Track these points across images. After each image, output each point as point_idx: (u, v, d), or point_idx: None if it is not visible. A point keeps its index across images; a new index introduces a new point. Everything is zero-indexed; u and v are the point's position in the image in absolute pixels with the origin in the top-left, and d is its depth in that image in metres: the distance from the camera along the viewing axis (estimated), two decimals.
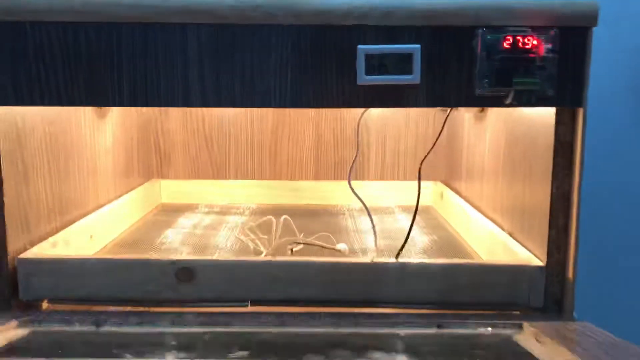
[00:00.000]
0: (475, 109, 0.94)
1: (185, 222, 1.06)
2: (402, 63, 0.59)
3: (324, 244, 0.83)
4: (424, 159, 0.77)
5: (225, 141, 1.19)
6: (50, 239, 0.74)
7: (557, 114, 0.64)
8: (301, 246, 0.86)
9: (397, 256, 0.70)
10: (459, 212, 1.00)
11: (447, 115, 0.84)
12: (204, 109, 1.18)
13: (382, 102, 0.61)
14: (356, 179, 1.21)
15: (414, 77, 0.59)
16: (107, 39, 0.61)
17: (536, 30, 0.59)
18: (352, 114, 1.19)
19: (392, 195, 1.22)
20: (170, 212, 1.13)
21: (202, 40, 0.61)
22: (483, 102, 0.61)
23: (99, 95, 0.62)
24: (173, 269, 0.66)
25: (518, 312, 0.68)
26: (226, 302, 0.67)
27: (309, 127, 1.19)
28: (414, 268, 0.66)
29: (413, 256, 0.85)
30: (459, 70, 0.61)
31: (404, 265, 0.66)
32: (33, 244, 0.71)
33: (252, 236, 0.90)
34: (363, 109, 0.81)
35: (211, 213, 1.13)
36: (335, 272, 0.67)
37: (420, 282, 0.66)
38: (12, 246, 0.67)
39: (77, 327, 0.63)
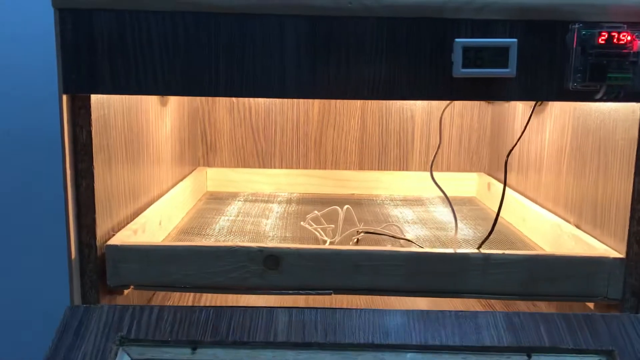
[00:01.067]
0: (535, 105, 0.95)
1: (235, 210, 1.07)
2: (499, 56, 0.60)
3: (395, 234, 0.85)
4: (510, 151, 0.77)
5: (271, 131, 1.20)
6: (130, 226, 0.75)
7: None
8: (361, 236, 0.87)
9: (479, 247, 0.71)
10: (511, 203, 1.01)
11: (533, 109, 0.84)
12: (252, 100, 1.19)
13: (475, 94, 0.62)
14: (400, 169, 1.22)
15: (510, 71, 0.60)
16: (205, 28, 0.61)
17: (631, 26, 0.60)
18: (396, 106, 1.20)
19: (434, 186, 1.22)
20: (218, 200, 1.14)
21: (299, 31, 0.61)
22: (573, 96, 0.62)
23: (195, 84, 0.62)
24: (261, 257, 0.67)
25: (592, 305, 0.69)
26: (310, 290, 0.68)
27: (355, 118, 1.20)
28: (496, 259, 0.67)
29: (471, 247, 0.86)
30: (551, 64, 0.62)
31: (487, 257, 0.68)
32: (115, 230, 0.72)
33: (314, 225, 0.91)
34: (447, 102, 0.82)
35: (258, 201, 1.14)
36: (420, 263, 0.68)
37: (502, 273, 0.68)
38: (99, 232, 0.68)
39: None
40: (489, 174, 1.19)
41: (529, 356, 0.65)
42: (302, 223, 0.93)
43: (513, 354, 0.65)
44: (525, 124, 0.95)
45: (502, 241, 0.90)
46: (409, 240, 0.84)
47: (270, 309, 0.66)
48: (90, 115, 0.64)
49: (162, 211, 0.88)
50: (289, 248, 0.68)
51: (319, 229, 0.89)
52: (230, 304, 0.82)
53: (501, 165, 1.14)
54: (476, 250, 0.68)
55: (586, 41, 0.60)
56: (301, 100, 1.19)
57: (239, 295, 0.84)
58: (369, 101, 1.19)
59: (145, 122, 0.85)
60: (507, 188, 1.07)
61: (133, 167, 0.80)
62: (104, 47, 0.61)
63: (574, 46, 0.60)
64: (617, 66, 0.60)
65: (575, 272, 0.68)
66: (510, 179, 1.09)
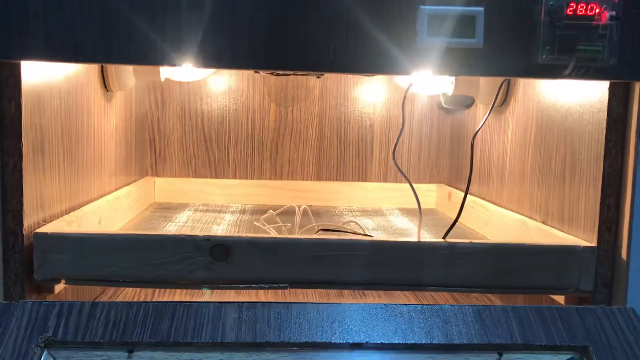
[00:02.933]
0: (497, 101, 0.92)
1: (184, 217, 1.00)
2: (465, 26, 0.56)
3: (356, 231, 0.80)
4: (475, 134, 0.74)
5: (224, 139, 1.14)
6: (65, 218, 0.68)
7: (611, 88, 0.63)
8: (320, 232, 0.82)
9: (444, 236, 0.66)
10: (474, 211, 0.98)
11: (496, 98, 0.82)
12: (204, 106, 1.13)
13: (441, 67, 0.58)
14: (357, 180, 1.18)
15: (477, 41, 0.57)
16: None
17: None
18: (355, 115, 1.16)
19: (393, 197, 1.18)
20: (167, 210, 1.07)
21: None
22: (542, 72, 0.60)
23: (142, 52, 0.57)
24: (208, 246, 0.61)
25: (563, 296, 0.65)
26: (263, 284, 0.62)
27: (312, 127, 1.16)
28: (463, 249, 0.63)
29: None
30: (518, 38, 0.59)
31: (453, 246, 0.63)
32: (46, 222, 0.65)
33: (268, 225, 0.85)
34: (406, 88, 0.78)
35: (210, 211, 1.07)
36: (383, 253, 0.63)
37: (469, 264, 0.63)
38: (27, 221, 0.61)
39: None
40: (449, 185, 1.16)
41: (500, 355, 0.60)
42: (255, 223, 0.87)
43: (483, 352, 0.60)
44: (489, 111, 0.93)
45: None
46: (369, 236, 0.79)
47: (218, 305, 0.59)
48: (20, 85, 0.58)
49: (103, 211, 0.81)
50: (239, 237, 0.62)
51: (271, 228, 0.83)
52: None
53: (462, 177, 1.11)
54: (441, 240, 0.64)
55: (554, 12, 0.57)
56: (257, 107, 1.14)
57: (186, 291, 0.77)
58: (327, 110, 1.16)
59: (86, 113, 0.79)
60: (469, 195, 1.04)
61: (70, 158, 0.73)
62: (37, 10, 0.56)
63: (542, 17, 0.57)
64: (586, 38, 0.58)
65: (546, 262, 0.64)
66: (471, 189, 1.06)
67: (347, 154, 1.17)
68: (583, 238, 0.68)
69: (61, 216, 0.70)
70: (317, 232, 0.80)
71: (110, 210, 0.84)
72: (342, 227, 0.81)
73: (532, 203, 0.81)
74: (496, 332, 0.60)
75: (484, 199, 0.97)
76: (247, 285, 0.62)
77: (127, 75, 0.88)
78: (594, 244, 0.65)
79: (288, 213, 0.90)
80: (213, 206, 1.12)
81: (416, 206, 1.16)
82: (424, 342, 0.59)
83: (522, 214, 0.83)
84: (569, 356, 0.61)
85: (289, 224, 0.83)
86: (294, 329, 0.58)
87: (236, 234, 0.62)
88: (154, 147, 1.14)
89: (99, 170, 0.85)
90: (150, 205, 1.10)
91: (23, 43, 0.56)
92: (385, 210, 1.14)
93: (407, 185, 1.18)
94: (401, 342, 0.59)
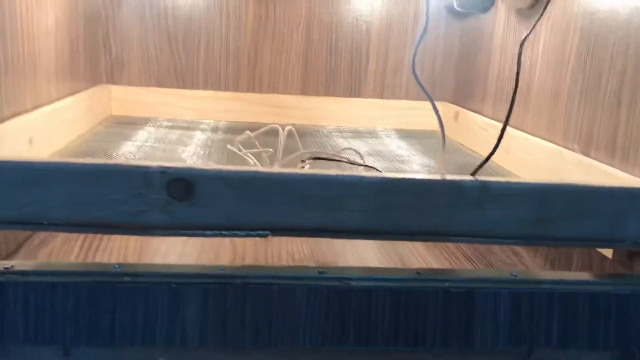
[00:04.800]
0: (524, 1, 0.76)
1: (144, 135, 0.84)
2: None
3: (354, 160, 0.65)
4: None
5: (193, 42, 0.96)
6: None
7: None
8: (309, 164, 0.67)
9: (473, 173, 0.52)
10: (489, 135, 0.83)
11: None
12: (168, 3, 0.94)
13: None
14: (351, 95, 1.02)
15: None
16: None
17: None
18: (349, 18, 0.98)
19: (389, 115, 1.03)
20: (124, 125, 0.90)
21: None
22: None
23: None
24: (163, 181, 0.45)
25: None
26: (237, 230, 0.47)
27: (298, 31, 0.98)
28: (498, 189, 0.49)
29: None
30: None
31: (485, 186, 0.48)
32: None
33: (245, 150, 0.70)
34: None
35: (176, 128, 0.91)
36: (391, 192, 0.48)
37: (502, 208, 0.49)
38: None
39: None
40: (457, 104, 1.01)
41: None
42: (228, 146, 0.71)
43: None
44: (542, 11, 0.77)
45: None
46: (372, 168, 0.65)
47: (174, 287, 0.44)
48: None
49: (36, 127, 0.64)
50: (206, 170, 0.46)
51: (249, 154, 0.68)
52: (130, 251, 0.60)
53: (471, 94, 0.96)
54: (470, 177, 0.49)
55: None
56: (231, 5, 0.96)
57: (136, 241, 0.62)
58: (316, 10, 0.98)
59: (8, 5, 0.61)
60: (480, 117, 0.89)
61: None
62: None
63: None
64: None
65: (601, 208, 0.50)
66: (484, 109, 0.91)
67: (338, 64, 1.00)
68: (639, 175, 0.54)
69: None
70: (305, 161, 0.65)
71: (46, 125, 0.67)
72: (336, 156, 0.66)
73: (569, 129, 0.66)
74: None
75: (500, 122, 0.83)
76: (217, 231, 0.47)
77: None
78: None
79: (269, 134, 0.74)
80: (180, 121, 0.96)
81: (416, 127, 1.02)
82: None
83: (554, 142, 0.69)
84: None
85: (270, 150, 0.68)
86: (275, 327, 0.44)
87: (202, 166, 0.47)
88: (108, 49, 0.95)
89: (32, 74, 0.68)
90: (104, 119, 0.93)
91: None
92: (380, 132, 0.99)
93: (405, 102, 1.03)
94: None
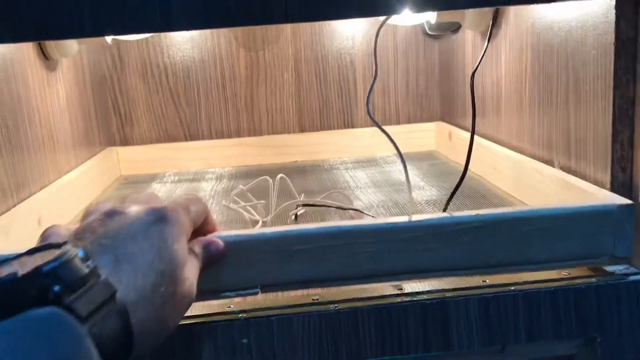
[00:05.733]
0: (482, 24, 0.82)
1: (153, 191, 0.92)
2: None
3: (340, 204, 0.71)
4: (474, 71, 0.64)
5: (194, 94, 1.05)
6: None
7: (617, 6, 0.53)
8: (302, 210, 0.73)
9: (445, 209, 0.58)
10: (478, 153, 0.88)
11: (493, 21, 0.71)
12: (167, 59, 1.03)
13: (422, 4, 0.49)
14: (343, 127, 1.09)
15: None
16: None
17: None
18: (335, 52, 1.06)
19: (385, 142, 1.07)
20: (132, 185, 0.97)
21: None
22: None
23: (53, 26, 0.47)
24: None
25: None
26: (231, 291, 0.49)
27: (288, 70, 1.06)
28: (470, 223, 0.50)
29: (438, 209, 0.73)
30: None
31: (457, 221, 0.50)
32: None
33: (242, 202, 0.77)
34: (378, 28, 0.69)
35: (182, 181, 0.98)
36: (374, 240, 0.49)
37: (479, 239, 0.51)
38: None
39: None
40: (444, 121, 1.08)
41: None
42: (223, 203, 0.78)
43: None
44: (485, 44, 0.83)
45: (475, 201, 0.76)
46: (357, 210, 0.71)
47: (188, 326, 0.49)
48: None
49: (44, 204, 0.70)
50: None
51: (248, 207, 0.74)
52: None
53: (456, 110, 1.02)
54: (443, 214, 0.51)
55: None
56: (223, 55, 1.04)
57: None
58: (302, 49, 1.06)
59: (23, 90, 0.70)
60: (468, 134, 0.93)
61: (10, 146, 0.64)
62: None
63: None
64: None
65: (573, 229, 0.51)
66: (467, 123, 0.97)
67: (329, 95, 1.07)
68: (593, 176, 0.60)
69: (7, 211, 0.62)
70: (296, 208, 0.71)
71: (55, 201, 0.73)
72: (323, 202, 0.72)
73: (533, 137, 0.73)
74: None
75: (481, 134, 0.89)
76: (213, 294, 0.49)
77: (68, 41, 0.78)
78: (608, 186, 0.57)
79: (262, 185, 0.79)
80: (186, 174, 1.03)
81: (413, 150, 1.05)
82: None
83: (523, 149, 0.75)
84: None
85: (262, 201, 0.75)
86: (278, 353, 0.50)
87: None
88: (117, 110, 1.04)
89: (52, 150, 0.77)
90: (114, 181, 1.01)
91: None
92: (379, 159, 1.05)
93: (398, 127, 1.08)
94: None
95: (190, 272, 0.41)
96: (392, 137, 1.06)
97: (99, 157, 0.94)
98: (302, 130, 1.07)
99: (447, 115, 1.06)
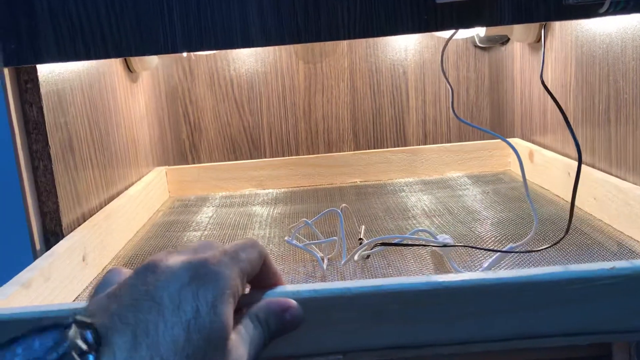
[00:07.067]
0: (530, 37, 0.87)
1: (204, 220, 0.84)
2: None
3: (423, 241, 0.61)
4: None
5: (257, 104, 1.13)
6: (23, 275, 0.51)
7: None
8: (374, 249, 0.62)
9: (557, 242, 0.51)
10: (559, 172, 0.80)
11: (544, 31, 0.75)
12: (233, 74, 1.12)
13: (463, 21, 0.55)
14: (395, 137, 1.14)
15: None
16: None
17: None
18: (388, 64, 1.12)
19: (451, 161, 1.01)
20: (182, 210, 0.90)
21: None
22: (574, 13, 0.55)
23: (148, 41, 0.56)
24: None
25: None
26: (306, 357, 0.41)
27: (344, 80, 1.13)
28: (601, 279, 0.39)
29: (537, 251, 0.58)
30: None
31: (584, 276, 0.39)
32: (86, 217, 0.66)
33: (304, 239, 0.68)
34: (445, 41, 0.74)
35: (234, 205, 0.91)
36: (475, 296, 0.40)
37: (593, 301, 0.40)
38: (65, 220, 0.61)
39: None
40: (525, 138, 1.12)
41: None
42: (286, 239, 0.68)
43: None
44: (542, 56, 0.88)
45: (579, 241, 0.63)
46: (450, 245, 0.59)
47: None
48: (38, 89, 0.58)
49: (89, 239, 0.63)
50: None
51: (312, 246, 0.65)
52: None
53: (505, 119, 1.07)
54: (561, 268, 0.39)
55: None
56: (284, 68, 1.12)
57: None
58: (357, 61, 1.12)
59: (112, 100, 0.79)
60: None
61: (102, 149, 0.73)
62: (43, 8, 0.55)
63: None
64: None
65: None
66: (515, 132, 1.02)
67: (382, 105, 1.14)
68: (632, 181, 0.64)
69: (100, 209, 0.71)
70: (373, 248, 0.62)
71: (101, 234, 0.66)
72: (408, 240, 0.62)
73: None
74: None
75: (529, 140, 0.93)
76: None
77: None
78: None
79: (329, 216, 0.71)
80: (238, 197, 0.97)
81: (485, 170, 0.96)
82: None
83: (568, 156, 0.80)
84: None
85: (334, 237, 0.64)
86: None
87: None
88: (187, 119, 1.13)
89: (134, 154, 0.86)
90: (162, 204, 0.93)
91: (35, 46, 0.55)
92: (449, 180, 0.96)
93: (466, 144, 1.06)
94: None
95: (242, 347, 0.33)
96: (462, 155, 0.98)
97: (145, 182, 0.88)
98: (356, 136, 1.14)
99: (496, 124, 1.11)
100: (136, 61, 0.85)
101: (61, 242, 0.59)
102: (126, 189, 0.80)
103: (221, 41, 0.55)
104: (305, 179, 1.03)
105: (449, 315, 0.40)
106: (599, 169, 0.71)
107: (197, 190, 1.00)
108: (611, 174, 0.68)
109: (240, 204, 0.93)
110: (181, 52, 0.56)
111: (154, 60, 0.89)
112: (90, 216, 0.67)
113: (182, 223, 0.82)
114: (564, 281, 0.39)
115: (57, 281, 0.54)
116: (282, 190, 1.00)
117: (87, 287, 0.60)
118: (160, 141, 1.00)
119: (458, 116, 0.68)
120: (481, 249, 0.62)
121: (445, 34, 0.99)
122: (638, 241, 0.61)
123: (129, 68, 0.86)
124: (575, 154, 0.54)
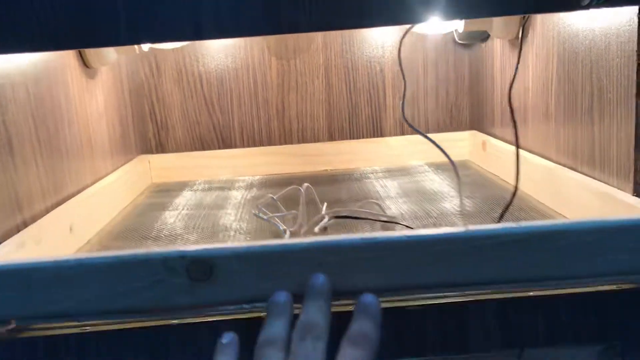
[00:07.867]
0: (510, 33, 0.83)
1: (183, 201, 0.92)
2: None
3: (374, 214, 0.70)
4: (511, 85, 0.64)
5: (227, 101, 1.08)
6: (16, 237, 0.57)
7: None
8: (330, 221, 0.72)
9: (500, 219, 0.57)
10: (509, 160, 0.86)
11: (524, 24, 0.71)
12: (202, 69, 1.06)
13: (447, 12, 0.50)
14: (372, 135, 1.10)
15: None
16: None
17: None
18: (364, 61, 1.08)
19: (416, 151, 1.08)
20: (164, 193, 0.98)
21: None
22: (556, 5, 0.51)
23: (92, 33, 0.50)
24: (183, 265, 0.47)
25: None
26: (258, 303, 0.47)
27: (318, 77, 1.08)
28: (513, 235, 0.46)
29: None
30: None
31: (498, 233, 0.46)
32: (27, 223, 0.61)
33: (270, 213, 0.75)
34: (401, 36, 0.70)
35: (212, 190, 0.99)
36: (412, 251, 0.46)
37: (521, 252, 0.47)
38: (2, 226, 0.56)
39: None
40: (474, 129, 1.08)
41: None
42: (253, 212, 0.77)
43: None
44: (518, 54, 0.84)
45: (516, 212, 0.72)
46: (392, 222, 0.70)
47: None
48: None
49: (75, 213, 0.70)
50: (221, 247, 0.47)
51: (275, 220, 0.73)
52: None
53: (486, 118, 1.03)
54: (483, 226, 0.47)
55: None
56: (256, 64, 1.07)
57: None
58: (332, 57, 1.08)
59: (64, 96, 0.73)
60: (506, 144, 0.91)
61: (50, 149, 0.68)
62: None
63: None
64: None
65: (619, 244, 0.46)
66: (493, 131, 0.97)
67: (359, 103, 1.09)
68: (616, 185, 0.60)
69: (48, 212, 0.65)
70: (329, 220, 0.70)
71: (86, 209, 0.74)
72: (357, 212, 0.71)
73: (559, 145, 0.73)
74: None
75: (508, 142, 0.89)
76: (238, 306, 0.48)
77: (107, 50, 0.82)
78: (630, 193, 0.57)
79: (292, 194, 0.79)
80: (217, 182, 1.04)
81: (445, 159, 1.03)
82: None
83: (548, 157, 0.76)
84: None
85: (294, 211, 0.74)
86: None
87: (218, 245, 0.48)
88: (154, 117, 1.08)
89: (89, 154, 0.80)
90: (146, 188, 1.02)
91: None
92: (411, 168, 1.05)
93: (433, 135, 1.06)
94: None
95: None
96: (425, 146, 1.02)
97: (131, 165, 0.97)
98: (331, 135, 1.09)
99: (477, 124, 1.07)
100: (92, 55, 0.80)
101: (47, 216, 0.62)
102: (79, 191, 0.75)
103: (169, 33, 0.50)
104: (280, 167, 1.08)
105: (381, 266, 0.47)
106: (581, 173, 0.67)
107: (179, 177, 1.07)
108: (594, 177, 0.64)
109: (219, 188, 0.99)
110: (125, 44, 0.50)
111: (111, 54, 0.84)
112: (33, 222, 0.62)
113: (162, 204, 0.90)
114: (487, 237, 0.47)
115: (47, 246, 0.59)
116: (257, 177, 1.07)
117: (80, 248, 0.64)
118: (122, 140, 0.94)
119: (406, 120, 0.69)
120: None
121: (422, 28, 0.95)
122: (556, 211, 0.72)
123: (85, 63, 0.80)
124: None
